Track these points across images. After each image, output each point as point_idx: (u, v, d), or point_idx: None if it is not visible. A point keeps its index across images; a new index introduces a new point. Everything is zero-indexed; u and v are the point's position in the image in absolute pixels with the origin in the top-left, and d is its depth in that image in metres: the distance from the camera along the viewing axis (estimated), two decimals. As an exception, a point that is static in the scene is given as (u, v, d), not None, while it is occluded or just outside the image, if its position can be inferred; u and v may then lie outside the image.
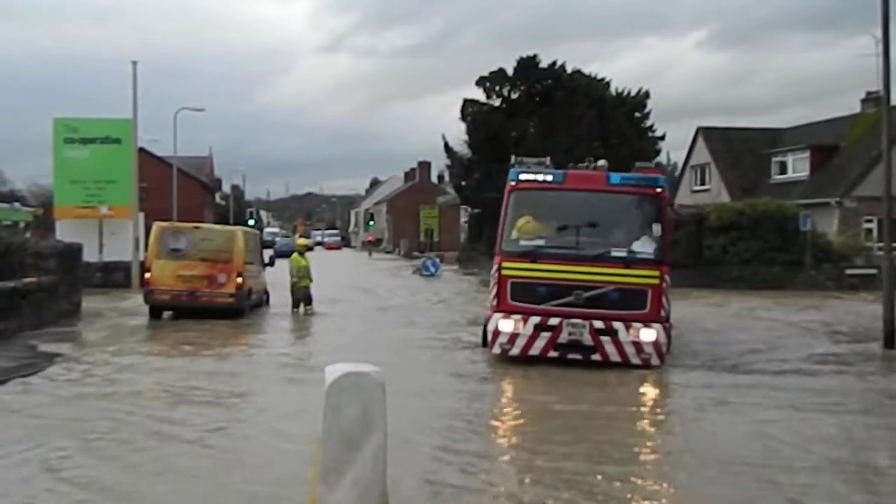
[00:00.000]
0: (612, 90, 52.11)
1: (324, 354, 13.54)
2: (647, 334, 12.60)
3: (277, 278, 24.05)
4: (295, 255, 22.05)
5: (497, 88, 51.46)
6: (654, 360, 12.67)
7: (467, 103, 51.97)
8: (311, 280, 21.57)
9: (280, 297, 23.24)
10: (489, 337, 13.25)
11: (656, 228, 12.83)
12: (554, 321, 12.74)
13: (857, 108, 43.81)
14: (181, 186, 47.35)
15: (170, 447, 8.32)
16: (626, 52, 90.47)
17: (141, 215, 31.39)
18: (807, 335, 17.88)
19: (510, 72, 50.93)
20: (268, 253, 25.96)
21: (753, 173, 45.38)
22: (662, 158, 59.50)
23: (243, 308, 20.22)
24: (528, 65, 50.47)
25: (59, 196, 31.89)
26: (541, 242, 13.06)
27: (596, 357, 12.67)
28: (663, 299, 12.69)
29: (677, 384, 12.26)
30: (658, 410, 11.06)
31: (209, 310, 19.57)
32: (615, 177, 13.08)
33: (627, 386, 11.95)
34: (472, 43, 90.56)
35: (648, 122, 52.82)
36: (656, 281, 12.61)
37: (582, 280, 12.62)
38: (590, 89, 49.78)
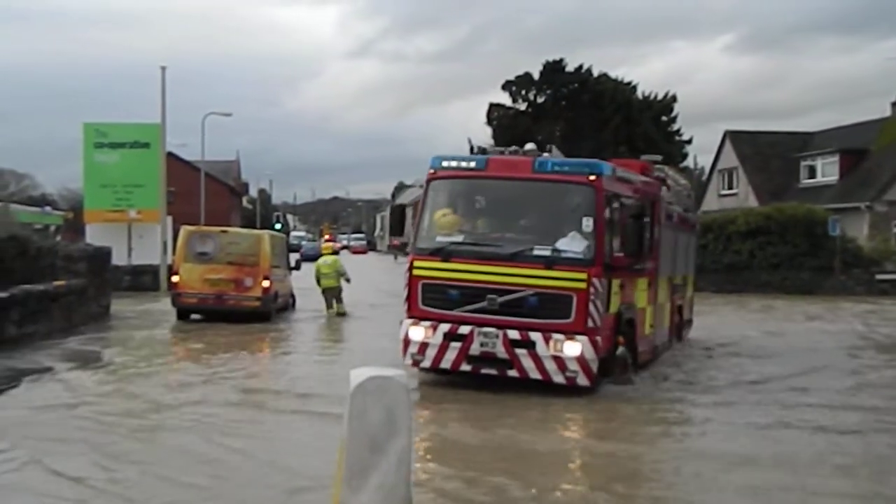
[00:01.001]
0: (639, 94, 52.05)
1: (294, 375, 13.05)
2: (571, 348, 10.69)
3: (304, 283, 24.13)
4: (332, 255, 22.70)
5: (523, 93, 51.57)
6: (582, 380, 10.78)
7: (493, 107, 52.05)
8: (336, 281, 21.96)
9: (307, 301, 23.33)
10: (400, 346, 11.74)
11: (587, 223, 10.84)
12: (465, 330, 11.08)
13: (887, 112, 43.36)
14: (209, 190, 47.73)
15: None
16: (653, 57, 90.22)
17: (169, 219, 31.65)
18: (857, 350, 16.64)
19: (536, 76, 50.97)
20: (294, 257, 26.08)
21: (782, 177, 45.03)
22: (689, 162, 59.26)
23: (269, 311, 20.32)
24: (554, 69, 50.51)
25: (89, 200, 32.25)
26: (458, 238, 11.43)
27: (513, 373, 11.00)
28: (592, 307, 10.69)
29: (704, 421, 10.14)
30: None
31: (235, 313, 19.69)
32: (544, 162, 11.29)
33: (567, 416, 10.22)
34: (499, 48, 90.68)
35: (675, 126, 52.72)
36: (582, 285, 10.62)
37: (496, 282, 10.92)
38: (616, 93, 49.74)
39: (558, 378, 10.79)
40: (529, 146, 12.09)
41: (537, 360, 10.81)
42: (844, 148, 42.40)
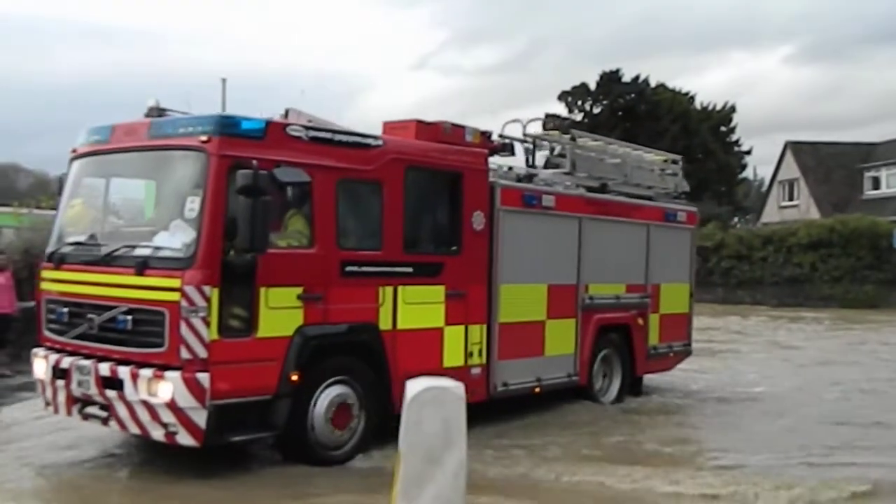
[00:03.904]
0: (697, 104, 51.48)
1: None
2: (164, 390, 7.25)
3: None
4: None
5: (579, 103, 51.30)
6: (184, 438, 7.28)
7: (549, 118, 51.88)
8: None
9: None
10: None
11: (191, 205, 7.52)
12: (66, 363, 8.03)
13: (955, 122, 42.34)
14: (266, 201, 48.26)
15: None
16: (712, 67, 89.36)
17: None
18: None
19: (592, 86, 50.71)
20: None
21: (844, 189, 44.17)
22: (749, 173, 58.47)
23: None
24: (610, 79, 50.18)
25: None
26: (82, 237, 8.46)
27: (114, 425, 7.81)
28: (186, 329, 7.18)
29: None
30: None
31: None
32: (159, 124, 8.12)
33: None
34: (557, 59, 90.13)
35: (734, 137, 52.00)
36: (174, 296, 7.22)
37: (93, 296, 7.90)
38: (674, 104, 49.24)
39: (157, 433, 7.45)
40: (152, 102, 8.60)
41: (130, 406, 7.52)
42: (910, 159, 41.49)
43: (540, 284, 10.28)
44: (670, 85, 51.08)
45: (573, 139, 11.43)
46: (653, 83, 50.29)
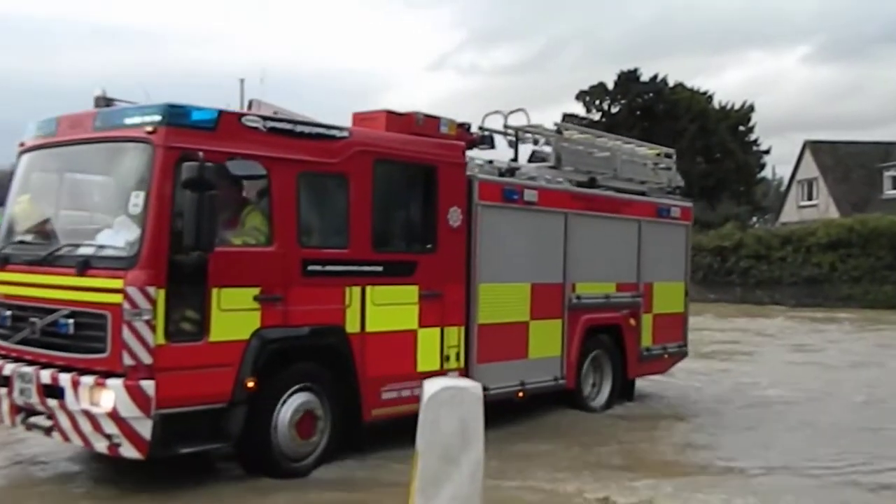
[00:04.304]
0: (715, 104, 51.30)
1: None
2: (105, 399, 6.78)
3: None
4: None
5: (597, 103, 51.21)
6: (128, 450, 6.76)
7: (567, 118, 51.84)
8: None
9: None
10: None
11: (135, 200, 7.03)
12: (9, 370, 7.54)
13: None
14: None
15: None
16: (730, 67, 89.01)
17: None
18: None
19: (610, 86, 50.60)
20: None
21: (864, 188, 43.88)
22: (767, 173, 58.19)
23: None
24: (628, 79, 50.07)
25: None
26: (27, 237, 8.01)
27: (57, 436, 7.27)
28: (128, 332, 6.69)
29: None
30: None
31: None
32: (107, 114, 7.60)
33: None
34: (575, 59, 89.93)
35: (753, 136, 51.79)
36: (117, 298, 6.74)
37: (35, 298, 7.44)
38: (692, 103, 49.09)
39: (100, 445, 6.96)
40: (98, 92, 8.04)
41: (72, 416, 7.03)
42: (931, 158, 41.19)
43: (522, 283, 9.74)
44: (688, 84, 50.94)
45: (559, 132, 10.95)
46: (671, 83, 50.16)
